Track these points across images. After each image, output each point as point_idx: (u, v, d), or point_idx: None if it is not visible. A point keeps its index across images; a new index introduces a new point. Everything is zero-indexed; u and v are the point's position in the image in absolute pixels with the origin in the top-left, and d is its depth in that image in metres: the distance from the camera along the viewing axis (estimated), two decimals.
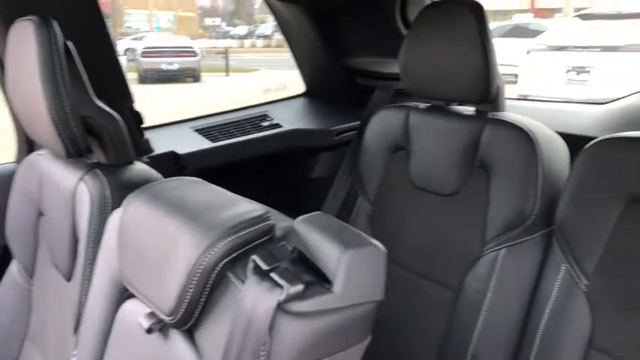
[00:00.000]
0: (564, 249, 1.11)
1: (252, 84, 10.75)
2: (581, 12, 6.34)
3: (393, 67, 1.48)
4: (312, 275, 0.62)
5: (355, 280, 0.61)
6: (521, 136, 1.23)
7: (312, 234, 0.65)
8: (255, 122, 1.72)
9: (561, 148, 1.27)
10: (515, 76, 5.87)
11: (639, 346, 0.99)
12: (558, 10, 14.66)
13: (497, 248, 1.24)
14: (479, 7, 1.28)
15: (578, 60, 5.22)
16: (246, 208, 0.72)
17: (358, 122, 1.69)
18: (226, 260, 0.68)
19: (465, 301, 1.28)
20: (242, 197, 0.76)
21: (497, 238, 1.24)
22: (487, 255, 1.25)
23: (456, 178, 1.34)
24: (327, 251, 0.62)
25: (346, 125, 1.69)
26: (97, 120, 1.01)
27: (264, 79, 11.55)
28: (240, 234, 0.68)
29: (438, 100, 1.43)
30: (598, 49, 5.08)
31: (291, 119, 1.77)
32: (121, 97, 1.36)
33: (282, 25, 1.77)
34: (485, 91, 1.28)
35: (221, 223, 0.68)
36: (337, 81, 1.79)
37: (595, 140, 1.11)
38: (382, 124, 1.52)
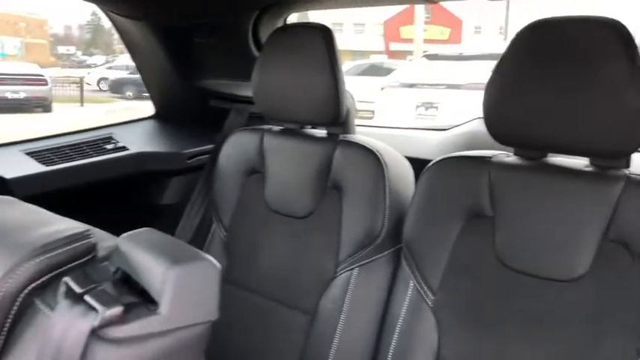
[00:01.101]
0: (411, 266, 1.14)
1: (107, 114, 10.22)
2: (427, 53, 6.90)
3: (248, 90, 1.46)
4: (135, 296, 0.55)
5: (184, 299, 0.55)
6: (370, 157, 1.26)
7: (137, 252, 0.58)
8: (97, 145, 1.59)
9: (407, 169, 1.31)
10: (372, 112, 6.19)
11: (482, 357, 1.02)
12: (410, 53, 15.79)
13: (349, 268, 1.24)
14: (328, 30, 1.30)
15: (426, 96, 5.64)
16: (62, 226, 0.63)
17: (212, 145, 1.63)
18: (34, 285, 0.58)
19: (319, 324, 1.26)
20: (61, 217, 0.67)
21: (350, 257, 1.24)
22: (340, 275, 1.25)
23: (309, 200, 1.33)
24: (152, 269, 0.55)
25: (199, 149, 1.62)
26: None
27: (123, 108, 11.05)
28: (52, 254, 0.59)
29: (291, 123, 1.43)
30: (443, 87, 5.54)
31: (138, 142, 1.66)
32: None
33: (128, 44, 1.68)
34: (335, 113, 1.30)
35: (29, 243, 0.59)
36: (189, 103, 1.72)
37: (435, 160, 1.16)
38: (236, 147, 1.49)
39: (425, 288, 1.11)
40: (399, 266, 1.20)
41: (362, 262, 1.23)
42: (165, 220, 1.64)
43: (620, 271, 0.92)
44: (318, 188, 1.33)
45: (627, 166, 0.98)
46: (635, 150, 0.94)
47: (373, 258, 1.23)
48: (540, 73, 0.98)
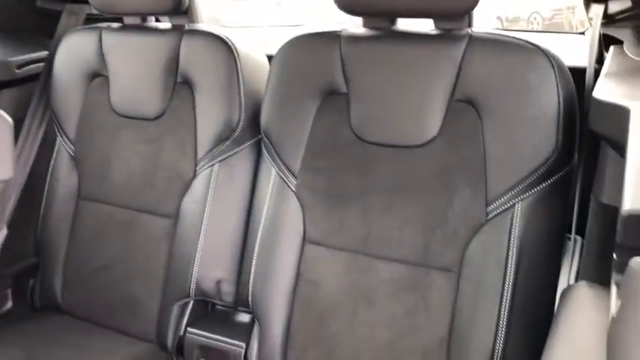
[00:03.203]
0: (272, 154, 1.11)
1: None
2: None
3: None
4: None
5: None
6: (219, 45, 1.19)
7: None
8: None
9: (260, 58, 1.26)
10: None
11: (344, 233, 1.03)
12: None
13: (209, 165, 1.19)
14: None
15: None
16: None
17: (45, 52, 1.46)
18: None
19: (183, 225, 1.21)
20: None
21: (209, 154, 1.19)
22: (201, 173, 1.20)
23: (160, 99, 1.25)
24: None
25: (29, 56, 1.43)
26: None
27: None
28: None
29: (130, 17, 1.31)
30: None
31: None
32: None
33: None
34: (176, 0, 1.20)
35: None
36: (10, 5, 1.49)
37: (284, 42, 1.11)
38: (72, 50, 1.36)
39: (287, 173, 1.09)
40: (260, 157, 1.16)
41: (222, 157, 1.19)
42: None
43: (467, 128, 0.95)
44: (167, 85, 1.24)
45: (470, 25, 1.00)
46: (473, 7, 0.95)
47: (233, 152, 1.19)
48: None
